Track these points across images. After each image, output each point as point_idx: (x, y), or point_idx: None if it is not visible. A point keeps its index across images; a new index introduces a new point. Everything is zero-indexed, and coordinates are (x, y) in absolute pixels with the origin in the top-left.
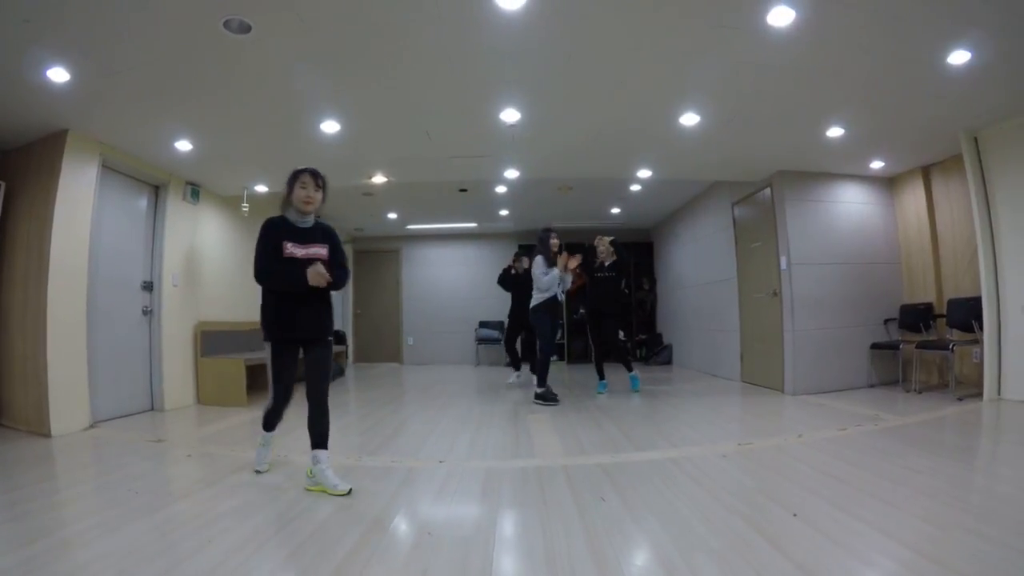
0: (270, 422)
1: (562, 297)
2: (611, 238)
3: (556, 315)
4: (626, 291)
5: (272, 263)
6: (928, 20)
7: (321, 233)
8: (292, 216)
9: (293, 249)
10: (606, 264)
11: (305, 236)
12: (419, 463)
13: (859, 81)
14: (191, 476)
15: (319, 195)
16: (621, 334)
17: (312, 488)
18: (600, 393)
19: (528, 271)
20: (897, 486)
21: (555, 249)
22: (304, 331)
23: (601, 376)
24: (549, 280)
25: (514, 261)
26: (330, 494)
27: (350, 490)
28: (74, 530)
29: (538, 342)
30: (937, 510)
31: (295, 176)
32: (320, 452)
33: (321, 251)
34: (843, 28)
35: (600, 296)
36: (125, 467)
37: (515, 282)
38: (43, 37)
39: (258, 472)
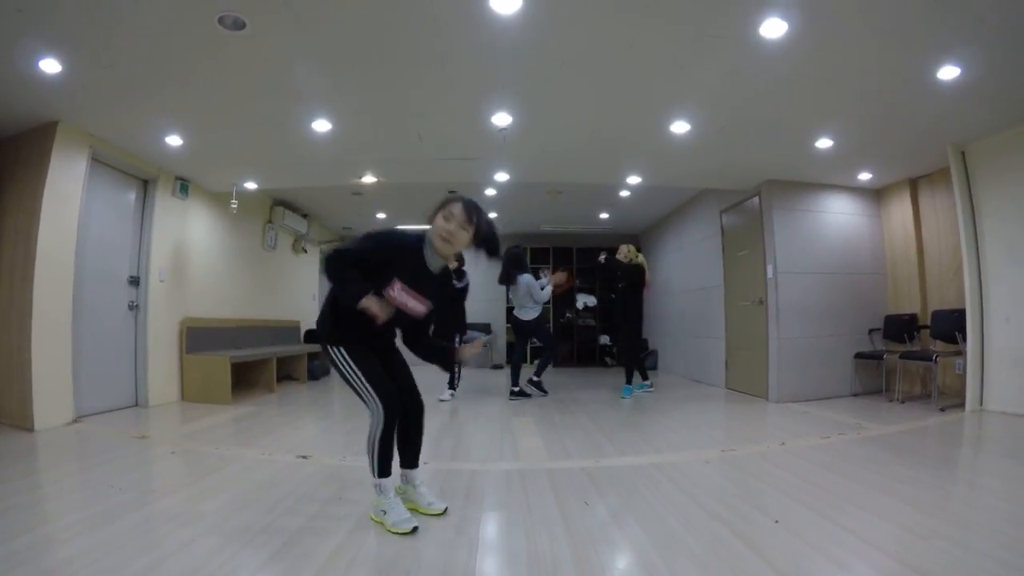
0: (385, 455)
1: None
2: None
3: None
4: (637, 297)
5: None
6: (919, 35)
7: (439, 285)
8: (428, 251)
9: (399, 295)
10: (619, 273)
11: (423, 282)
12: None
13: (849, 94)
14: (174, 473)
15: (466, 236)
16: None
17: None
18: (632, 392)
19: (460, 270)
20: (879, 494)
21: None
22: (391, 333)
23: (629, 380)
24: (547, 292)
25: None
26: (424, 513)
27: (446, 509)
28: (55, 526)
29: (544, 344)
30: (918, 519)
31: (444, 203)
32: (415, 472)
33: (422, 310)
34: (835, 42)
35: (615, 307)
36: (108, 463)
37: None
38: (36, 27)
39: (410, 531)
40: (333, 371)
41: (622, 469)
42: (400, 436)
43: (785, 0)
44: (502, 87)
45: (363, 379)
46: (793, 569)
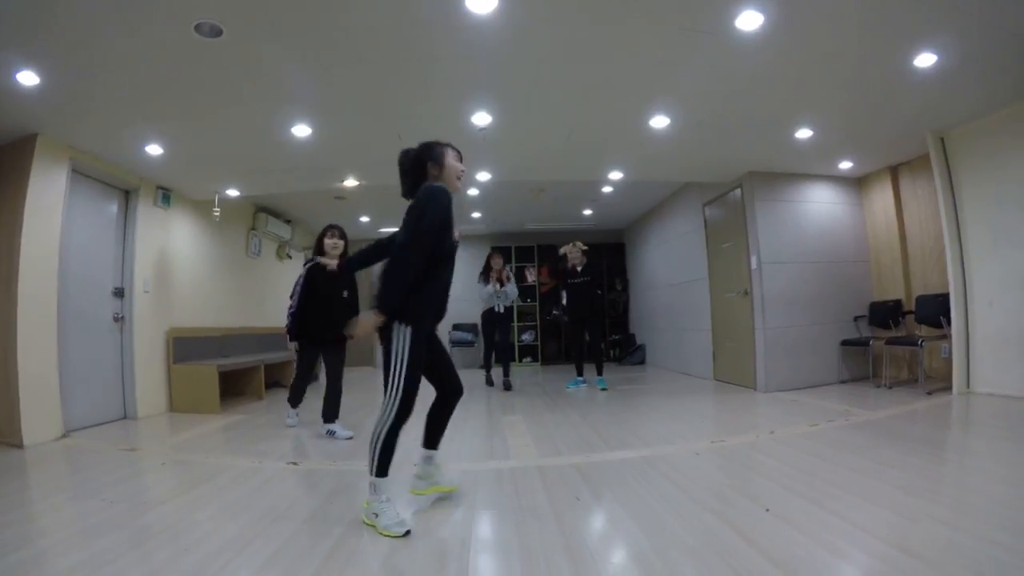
0: (388, 454)
1: (500, 309)
2: (584, 247)
3: (492, 323)
4: (599, 292)
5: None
6: (894, 23)
7: None
8: None
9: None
10: (579, 269)
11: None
12: (393, 467)
13: (827, 83)
14: (166, 484)
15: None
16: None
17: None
18: (569, 388)
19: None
20: (869, 479)
21: (497, 267)
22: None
23: (580, 373)
24: (483, 291)
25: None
26: (446, 491)
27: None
28: (48, 542)
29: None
30: (909, 502)
31: (443, 149)
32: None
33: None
34: (811, 32)
35: (578, 301)
36: (99, 477)
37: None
38: (12, 40)
39: (403, 535)
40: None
41: (612, 463)
42: (437, 419)
43: None
44: (481, 86)
45: (405, 369)
46: (785, 556)
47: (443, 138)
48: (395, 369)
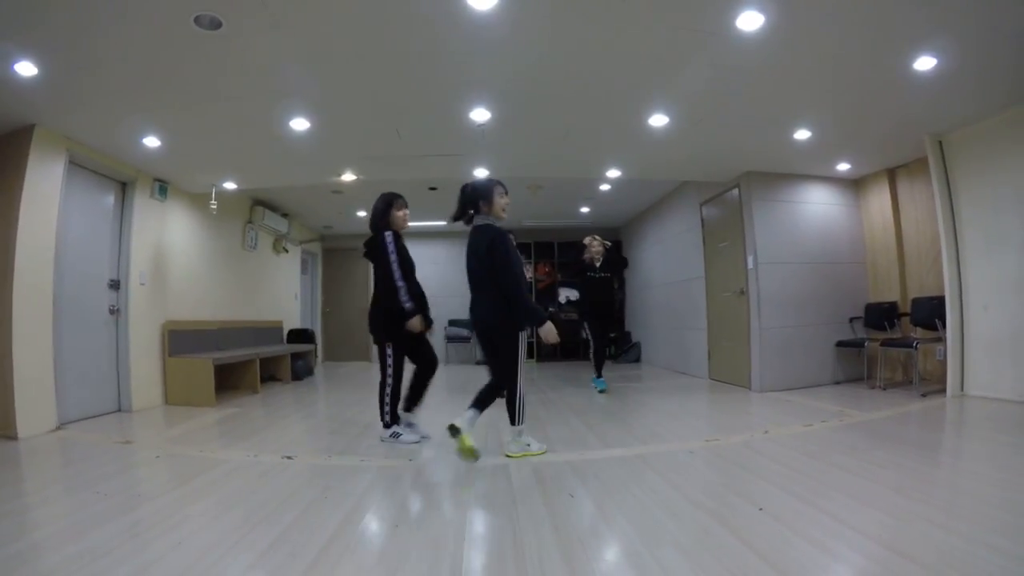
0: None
1: None
2: (607, 242)
3: None
4: (615, 288)
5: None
6: (895, 26)
7: None
8: None
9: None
10: (597, 264)
11: None
12: (388, 462)
13: (826, 85)
14: (160, 477)
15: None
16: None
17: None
18: (603, 391)
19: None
20: (862, 480)
21: None
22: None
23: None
24: None
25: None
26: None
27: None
28: (42, 534)
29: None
30: (902, 504)
31: (494, 186)
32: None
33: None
34: (811, 33)
35: (595, 296)
36: (93, 469)
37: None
38: (10, 30)
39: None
40: (316, 371)
41: (607, 461)
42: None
43: None
44: (480, 83)
45: (521, 362)
46: (777, 555)
47: (440, 133)
48: (516, 359)
